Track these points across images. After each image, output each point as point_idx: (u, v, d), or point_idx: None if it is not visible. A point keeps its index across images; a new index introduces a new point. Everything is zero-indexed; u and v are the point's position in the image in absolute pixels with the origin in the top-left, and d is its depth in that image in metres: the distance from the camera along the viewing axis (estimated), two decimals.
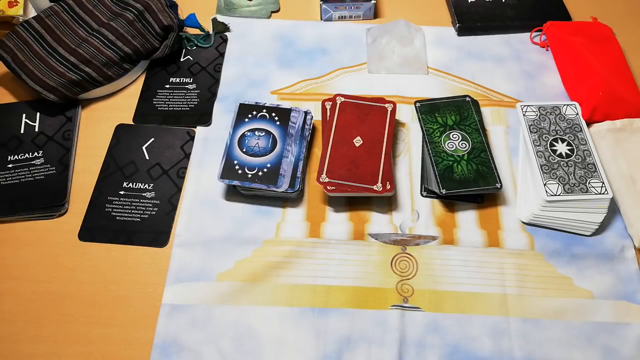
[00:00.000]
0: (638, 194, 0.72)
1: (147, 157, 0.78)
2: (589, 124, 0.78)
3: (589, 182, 0.69)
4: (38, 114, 0.82)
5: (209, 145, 0.79)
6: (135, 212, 0.73)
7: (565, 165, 0.71)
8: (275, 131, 0.75)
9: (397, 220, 0.73)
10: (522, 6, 0.93)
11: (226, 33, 0.92)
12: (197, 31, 0.91)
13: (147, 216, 0.73)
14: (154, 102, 0.84)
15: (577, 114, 0.76)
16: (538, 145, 0.73)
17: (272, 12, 0.95)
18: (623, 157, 0.74)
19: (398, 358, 0.62)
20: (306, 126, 0.76)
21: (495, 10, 0.93)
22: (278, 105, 0.77)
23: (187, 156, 0.78)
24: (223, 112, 0.82)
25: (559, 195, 0.68)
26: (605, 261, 0.69)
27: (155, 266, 0.69)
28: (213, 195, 0.75)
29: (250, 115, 0.76)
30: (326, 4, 0.91)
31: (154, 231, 0.72)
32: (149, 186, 0.75)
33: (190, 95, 0.84)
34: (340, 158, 0.72)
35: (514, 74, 0.87)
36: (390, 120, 0.75)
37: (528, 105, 0.77)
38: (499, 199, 0.74)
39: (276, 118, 0.76)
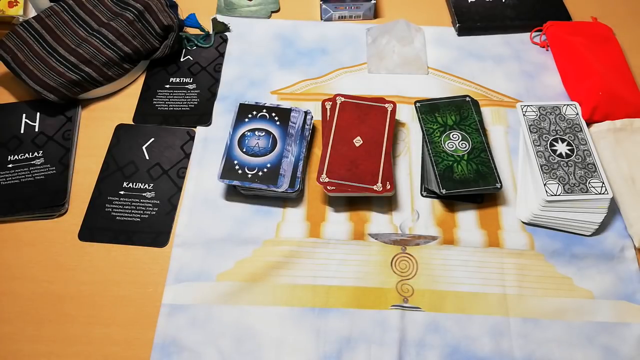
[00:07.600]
0: (638, 194, 0.72)
1: (147, 157, 0.78)
2: (589, 124, 0.78)
3: (589, 182, 0.69)
4: (38, 114, 0.82)
5: (209, 145, 0.79)
6: (135, 212, 0.73)
7: (565, 165, 0.71)
8: (275, 131, 0.75)
9: (397, 220, 0.73)
10: (522, 6, 0.93)
11: (226, 33, 0.92)
12: (197, 31, 0.91)
13: (147, 216, 0.73)
14: (154, 102, 0.84)
15: (577, 114, 0.76)
16: (538, 145, 0.73)
17: (272, 12, 0.95)
18: (623, 157, 0.74)
19: (398, 358, 0.62)
20: (306, 126, 0.76)
21: (495, 10, 0.93)
22: (278, 105, 0.77)
23: (187, 156, 0.78)
24: (223, 112, 0.82)
25: (559, 195, 0.68)
26: (605, 261, 0.69)
27: (155, 266, 0.69)
28: (213, 195, 0.75)
29: (250, 115, 0.76)
30: (326, 4, 0.91)
31: (154, 231, 0.72)
32: (149, 186, 0.75)
33: (190, 95, 0.84)
34: (340, 158, 0.72)
35: (514, 74, 0.87)
36: (390, 120, 0.75)
37: (528, 105, 0.77)
38: (499, 199, 0.74)
39: (276, 118, 0.76)
